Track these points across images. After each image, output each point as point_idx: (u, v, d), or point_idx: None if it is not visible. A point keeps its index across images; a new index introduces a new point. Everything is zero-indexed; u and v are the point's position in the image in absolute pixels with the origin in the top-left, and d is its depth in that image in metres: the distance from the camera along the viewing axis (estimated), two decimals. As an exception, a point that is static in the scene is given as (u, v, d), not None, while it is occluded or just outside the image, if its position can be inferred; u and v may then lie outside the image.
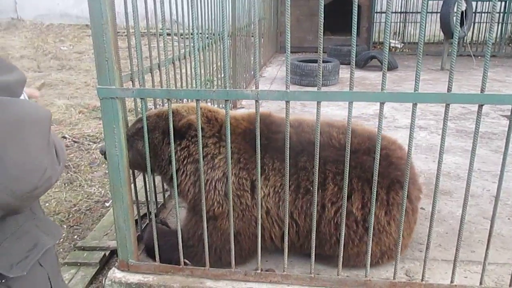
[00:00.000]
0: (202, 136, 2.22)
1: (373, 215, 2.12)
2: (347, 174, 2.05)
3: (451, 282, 2.20)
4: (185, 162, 2.42)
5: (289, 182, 2.21)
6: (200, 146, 2.16)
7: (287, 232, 2.21)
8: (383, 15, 11.88)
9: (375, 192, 2.07)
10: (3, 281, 1.02)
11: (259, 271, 2.33)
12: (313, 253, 2.24)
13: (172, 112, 2.32)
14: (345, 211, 2.12)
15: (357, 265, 2.44)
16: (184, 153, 2.43)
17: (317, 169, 2.07)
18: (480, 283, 2.19)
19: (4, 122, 0.86)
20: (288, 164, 2.07)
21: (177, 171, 2.39)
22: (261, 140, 2.13)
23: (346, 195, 2.09)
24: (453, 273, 2.18)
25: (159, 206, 3.17)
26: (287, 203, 2.15)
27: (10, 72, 0.95)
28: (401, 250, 2.31)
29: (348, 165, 2.04)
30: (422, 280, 2.24)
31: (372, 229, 2.14)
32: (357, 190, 2.31)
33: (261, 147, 2.11)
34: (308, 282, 2.30)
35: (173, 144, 2.22)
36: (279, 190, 2.35)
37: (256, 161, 2.10)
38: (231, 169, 2.31)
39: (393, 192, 2.34)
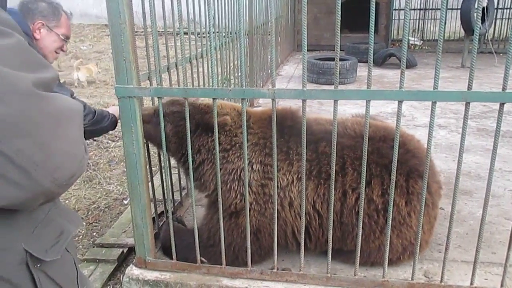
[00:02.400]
0: (234, 128, 2.38)
1: (392, 205, 2.09)
2: (365, 172, 2.04)
3: (471, 283, 2.16)
4: (214, 152, 2.41)
5: (311, 167, 2.26)
6: (217, 143, 2.17)
7: (303, 230, 2.20)
8: (402, 12, 11.72)
9: (393, 184, 2.05)
10: (38, 265, 1.07)
11: (275, 270, 2.33)
12: (330, 252, 2.22)
13: (208, 108, 2.41)
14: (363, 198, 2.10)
15: (377, 262, 2.40)
16: (212, 143, 2.42)
17: (334, 171, 2.06)
18: (501, 286, 2.15)
19: (50, 115, 0.95)
20: (304, 159, 2.06)
21: (204, 160, 2.40)
22: (287, 123, 2.28)
23: (363, 190, 2.07)
24: (473, 274, 2.14)
25: (176, 204, 3.20)
26: (304, 195, 2.14)
27: (46, 69, 1.03)
28: (422, 246, 2.28)
29: (365, 163, 2.02)
30: (441, 281, 2.20)
31: (390, 219, 2.11)
32: (376, 176, 2.30)
33: (286, 130, 2.25)
34: (325, 282, 2.28)
35: (189, 136, 2.22)
36: (301, 177, 2.33)
37: (277, 151, 2.13)
38: (257, 156, 2.36)
39: (412, 181, 2.32)
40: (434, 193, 2.44)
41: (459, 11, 8.79)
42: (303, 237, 2.23)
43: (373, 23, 1.80)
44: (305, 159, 2.07)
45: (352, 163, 2.33)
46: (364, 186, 2.08)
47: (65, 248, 1.17)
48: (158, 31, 2.25)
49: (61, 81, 2.52)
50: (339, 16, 1.80)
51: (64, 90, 2.41)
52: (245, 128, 2.09)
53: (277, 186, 2.32)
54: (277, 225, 2.28)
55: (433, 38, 11.81)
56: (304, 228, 2.21)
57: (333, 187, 2.10)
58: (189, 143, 2.22)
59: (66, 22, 2.59)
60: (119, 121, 2.60)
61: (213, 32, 2.37)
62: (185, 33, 2.12)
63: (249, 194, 2.32)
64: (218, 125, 2.39)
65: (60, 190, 1.01)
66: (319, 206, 2.34)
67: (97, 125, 2.50)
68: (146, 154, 2.47)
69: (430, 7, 11.92)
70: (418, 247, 2.15)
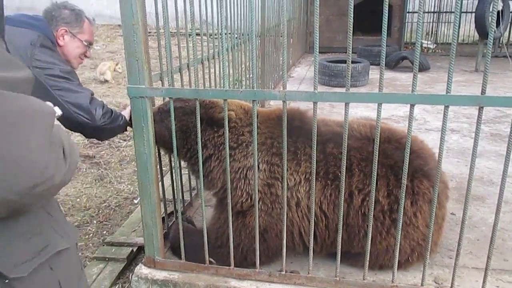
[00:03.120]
0: (239, 125, 2.39)
1: (402, 205, 2.08)
2: (375, 174, 2.02)
3: (482, 290, 2.13)
4: (220, 148, 2.43)
5: (318, 168, 2.26)
6: (227, 142, 2.17)
7: (312, 230, 2.19)
8: (415, 15, 11.64)
9: (404, 185, 2.03)
10: (6, 281, 1.00)
11: (283, 272, 2.32)
12: (339, 255, 2.21)
13: (212, 104, 2.42)
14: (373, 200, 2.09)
15: (386, 265, 2.39)
16: (221, 139, 2.43)
17: (344, 174, 2.05)
18: (513, 293, 2.12)
19: (1, 115, 0.86)
20: (315, 161, 2.06)
21: (210, 156, 2.42)
22: (295, 123, 2.30)
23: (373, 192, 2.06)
24: (484, 281, 2.11)
25: (185, 205, 3.21)
26: (313, 197, 2.14)
27: (19, 70, 0.97)
28: (431, 248, 2.25)
29: (376, 168, 2.01)
30: (451, 287, 2.18)
31: (400, 222, 2.10)
32: (381, 177, 2.29)
33: (294, 130, 2.26)
34: (333, 285, 2.27)
35: (199, 136, 2.23)
36: (309, 178, 2.33)
37: (285, 154, 2.11)
38: (264, 155, 2.36)
39: (417, 181, 2.31)
40: (441, 193, 2.42)
41: (473, 14, 8.69)
42: (312, 239, 2.22)
43: (386, 25, 1.79)
44: (315, 161, 2.06)
45: (358, 164, 2.33)
46: (374, 188, 2.06)
47: (48, 265, 1.08)
48: (171, 32, 2.26)
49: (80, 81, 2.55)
50: (352, 18, 1.79)
51: (81, 89, 2.44)
52: (255, 129, 2.09)
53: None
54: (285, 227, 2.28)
55: (447, 41, 11.72)
56: (312, 230, 2.21)
57: (343, 189, 2.10)
58: (199, 142, 2.23)
59: (89, 28, 2.65)
60: (129, 122, 2.63)
61: (225, 34, 2.38)
62: (197, 34, 2.13)
63: (256, 194, 2.32)
64: (221, 119, 2.40)
65: (23, 200, 0.91)
66: (326, 207, 2.34)
67: (115, 123, 2.53)
68: (157, 154, 2.48)
69: (444, 10, 11.82)
70: (429, 251, 2.13)
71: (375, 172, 2.03)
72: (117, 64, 9.12)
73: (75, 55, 2.63)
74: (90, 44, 2.68)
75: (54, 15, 2.53)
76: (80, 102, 2.35)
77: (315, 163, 2.07)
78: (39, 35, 2.39)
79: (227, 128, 2.16)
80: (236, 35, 4.54)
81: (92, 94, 2.49)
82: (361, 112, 5.58)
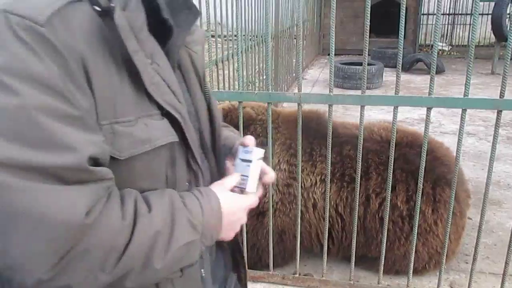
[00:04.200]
0: (260, 125, 2.35)
1: (418, 210, 2.06)
2: (390, 178, 2.01)
3: (499, 296, 2.10)
4: None
5: (334, 170, 2.25)
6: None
7: (326, 234, 2.18)
8: (430, 17, 11.54)
9: (421, 188, 2.02)
10: None
11: (297, 275, 2.31)
12: (353, 258, 2.20)
13: (230, 108, 2.43)
14: (389, 203, 2.07)
15: (402, 270, 2.36)
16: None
17: (359, 176, 2.04)
18: (531, 300, 2.08)
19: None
20: (329, 163, 2.05)
21: None
22: (311, 124, 2.29)
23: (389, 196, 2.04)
24: (501, 287, 2.07)
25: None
26: (328, 198, 2.13)
27: (56, 152, 0.66)
28: (448, 256, 2.23)
29: (391, 171, 2.00)
30: (467, 293, 2.15)
31: (416, 225, 2.08)
32: (401, 181, 2.27)
33: (311, 131, 2.27)
34: (347, 288, 2.26)
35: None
36: (325, 179, 2.31)
37: (300, 155, 2.12)
38: (285, 155, 2.36)
39: (439, 188, 2.28)
40: (462, 202, 2.38)
41: (489, 16, 8.58)
42: (326, 241, 2.21)
43: (403, 28, 1.77)
44: (330, 162, 2.05)
45: (376, 167, 2.31)
46: (390, 192, 2.05)
47: None
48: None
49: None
50: (368, 21, 1.78)
51: None
52: (270, 131, 2.09)
53: (301, 186, 2.31)
54: (301, 227, 2.28)
55: (462, 43, 11.57)
56: (327, 231, 2.20)
57: (358, 191, 2.09)
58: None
59: None
60: None
61: (241, 35, 2.38)
62: (212, 36, 2.14)
63: (276, 194, 2.32)
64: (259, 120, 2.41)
65: None
66: (342, 210, 2.33)
67: None
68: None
69: (459, 12, 11.69)
70: (445, 256, 2.10)
71: (391, 175, 2.01)
72: None
73: None
74: None
75: None
76: None
77: (329, 165, 2.06)
78: None
79: (241, 129, 2.16)
80: (250, 37, 4.55)
81: None
82: (375, 115, 5.53)
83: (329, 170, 2.08)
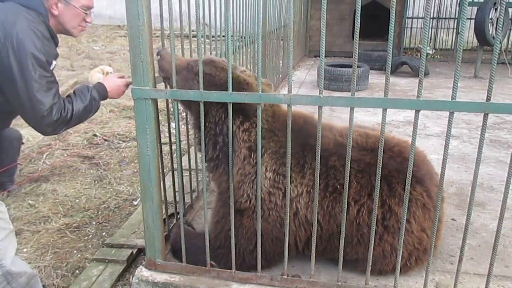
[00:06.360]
0: (262, 128, 2.19)
1: (375, 211, 2.11)
2: (379, 182, 2.03)
3: (484, 297, 2.13)
4: (241, 145, 2.36)
5: (319, 181, 2.23)
6: (231, 148, 2.16)
7: (315, 236, 2.19)
8: (415, 20, 11.71)
9: (378, 186, 2.05)
10: None
11: (285, 276, 2.32)
12: (341, 261, 2.21)
13: (246, 83, 2.34)
14: (376, 212, 2.09)
15: (384, 270, 2.40)
16: (244, 135, 2.36)
17: (348, 179, 2.05)
18: (515, 300, 2.12)
19: None
20: (318, 169, 2.06)
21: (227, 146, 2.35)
22: (307, 140, 2.30)
23: (377, 199, 2.06)
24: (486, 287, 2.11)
25: (186, 207, 3.19)
26: (316, 207, 2.14)
27: None
28: (428, 250, 2.26)
29: (379, 174, 2.01)
30: (453, 293, 2.18)
31: (403, 229, 2.10)
32: (375, 186, 2.28)
33: (306, 145, 2.30)
34: (335, 290, 2.26)
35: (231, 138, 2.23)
36: (311, 190, 2.32)
37: (290, 160, 2.12)
38: (272, 164, 2.35)
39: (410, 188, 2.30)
40: (434, 196, 2.42)
41: (472, 21, 8.73)
42: (314, 245, 2.21)
43: (392, 31, 1.79)
44: (319, 168, 2.06)
45: (355, 175, 2.32)
46: (378, 196, 2.07)
47: None
48: (174, 34, 2.25)
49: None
50: (358, 24, 1.79)
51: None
52: (259, 131, 2.09)
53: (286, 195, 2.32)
54: (281, 233, 2.31)
55: (445, 47, 11.76)
56: (315, 237, 2.20)
57: (346, 200, 2.11)
58: (230, 145, 2.22)
59: None
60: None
61: (230, 36, 2.38)
62: (201, 36, 2.12)
63: (255, 199, 2.32)
64: (241, 83, 2.31)
65: None
66: (321, 218, 2.35)
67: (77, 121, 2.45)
68: (159, 156, 2.47)
69: (443, 16, 11.87)
70: (431, 256, 2.12)
71: (379, 179, 2.03)
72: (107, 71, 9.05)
73: (73, 24, 2.45)
74: (88, 8, 2.47)
75: None
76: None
77: (318, 170, 2.07)
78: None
79: (231, 131, 2.15)
80: (236, 38, 4.54)
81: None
82: (361, 116, 5.58)
83: (318, 174, 2.08)
